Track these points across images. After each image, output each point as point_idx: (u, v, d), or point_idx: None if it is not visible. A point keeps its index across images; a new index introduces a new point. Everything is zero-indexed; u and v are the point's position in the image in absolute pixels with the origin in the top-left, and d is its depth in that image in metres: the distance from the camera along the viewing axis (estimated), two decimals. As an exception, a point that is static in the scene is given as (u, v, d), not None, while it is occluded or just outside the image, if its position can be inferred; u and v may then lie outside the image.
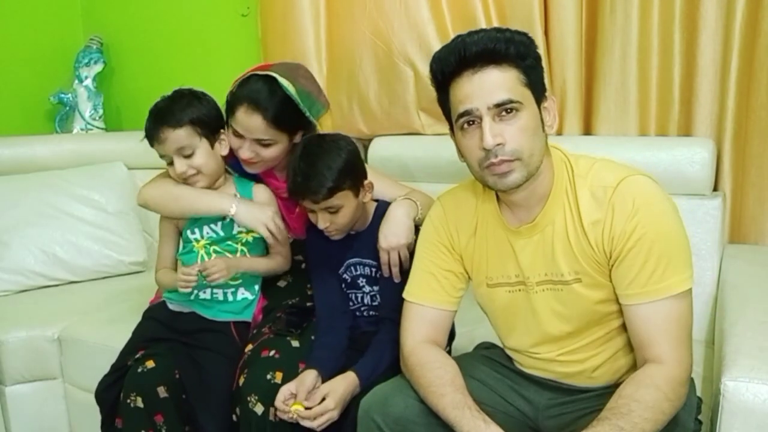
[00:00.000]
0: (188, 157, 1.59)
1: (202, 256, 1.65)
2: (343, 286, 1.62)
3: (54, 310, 2.08)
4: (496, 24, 2.04)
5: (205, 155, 1.60)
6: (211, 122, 1.61)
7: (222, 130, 1.64)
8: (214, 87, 2.68)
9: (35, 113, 2.80)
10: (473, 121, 1.17)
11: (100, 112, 2.78)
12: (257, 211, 1.63)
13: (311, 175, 1.44)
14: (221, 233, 1.66)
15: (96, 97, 2.77)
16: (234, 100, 1.59)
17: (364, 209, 1.57)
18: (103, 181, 2.46)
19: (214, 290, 1.66)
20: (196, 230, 1.66)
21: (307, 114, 1.60)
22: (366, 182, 1.53)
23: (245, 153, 1.61)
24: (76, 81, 2.75)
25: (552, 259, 1.23)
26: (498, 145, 1.14)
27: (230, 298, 1.68)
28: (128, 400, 1.53)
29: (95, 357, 1.82)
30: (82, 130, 2.75)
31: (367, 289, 1.60)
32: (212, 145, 1.62)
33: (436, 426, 1.21)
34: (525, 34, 1.20)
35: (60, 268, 2.28)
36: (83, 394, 1.92)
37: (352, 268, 1.60)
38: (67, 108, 2.77)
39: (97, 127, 2.77)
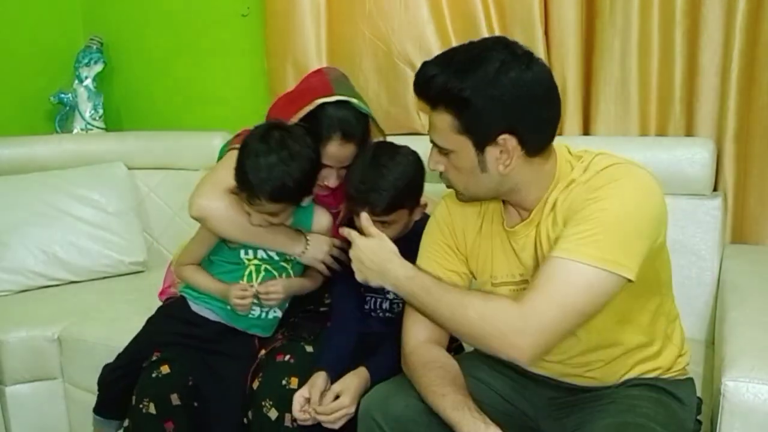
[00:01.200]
0: (272, 215, 1.50)
1: (251, 272, 1.59)
2: (362, 289, 1.58)
3: (54, 310, 2.08)
4: (496, 24, 2.05)
5: (288, 216, 1.53)
6: (304, 192, 1.49)
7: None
8: (214, 87, 2.70)
9: (35, 113, 2.80)
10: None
11: (100, 112, 2.77)
12: (321, 246, 1.58)
13: (376, 187, 1.41)
14: (276, 257, 1.60)
15: (96, 97, 2.76)
16: (320, 133, 1.49)
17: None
18: (103, 181, 2.45)
19: (253, 307, 1.59)
20: (250, 251, 1.59)
21: (377, 122, 1.59)
22: (423, 200, 1.50)
23: (334, 182, 1.54)
24: (76, 81, 2.75)
25: (542, 255, 1.23)
26: (438, 170, 1.24)
27: (263, 315, 1.62)
28: (141, 405, 1.51)
29: (95, 357, 1.82)
30: (82, 130, 2.75)
31: (391, 295, 1.57)
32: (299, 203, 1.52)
33: (437, 426, 1.20)
34: (487, 73, 1.11)
35: (60, 268, 2.27)
36: (83, 394, 1.92)
37: None
38: (67, 108, 2.77)
39: (97, 127, 2.76)
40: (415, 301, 1.24)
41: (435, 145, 1.22)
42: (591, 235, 1.10)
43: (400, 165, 1.44)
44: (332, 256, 1.59)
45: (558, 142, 1.25)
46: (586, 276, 1.09)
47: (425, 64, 1.19)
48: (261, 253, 1.59)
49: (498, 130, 1.14)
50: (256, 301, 1.55)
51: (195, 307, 1.63)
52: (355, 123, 1.51)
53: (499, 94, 1.11)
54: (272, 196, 1.43)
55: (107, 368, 1.66)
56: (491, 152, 1.16)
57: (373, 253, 1.28)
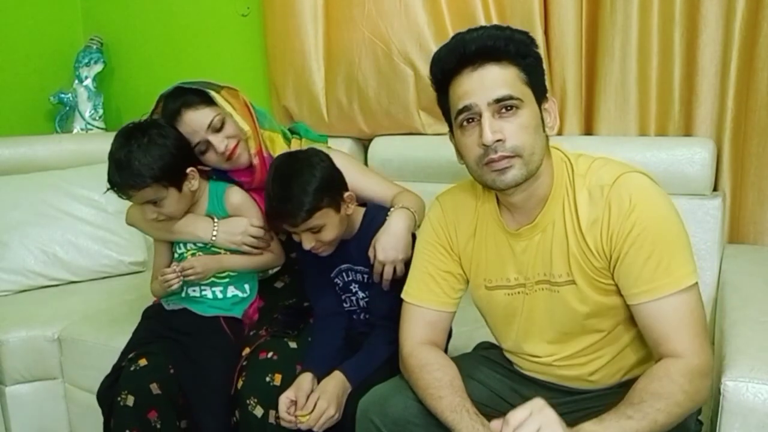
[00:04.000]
0: (157, 205, 1.57)
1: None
2: (337, 289, 1.62)
3: (54, 310, 2.08)
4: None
5: (174, 203, 1.58)
6: (175, 168, 1.55)
7: (191, 168, 1.59)
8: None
9: (35, 113, 2.80)
10: (472, 118, 1.16)
11: (100, 112, 2.78)
12: (233, 229, 1.64)
13: (286, 198, 1.41)
14: (204, 245, 1.67)
15: (96, 97, 2.76)
16: (172, 115, 1.58)
17: (350, 219, 1.53)
18: (103, 181, 2.41)
19: (203, 288, 1.69)
20: (182, 245, 1.69)
21: (204, 88, 1.59)
22: (347, 195, 1.49)
23: (220, 146, 1.59)
24: (76, 81, 2.75)
25: (549, 259, 1.23)
26: (498, 141, 1.13)
27: (219, 295, 1.70)
28: (119, 399, 1.54)
29: (95, 357, 1.82)
30: (82, 130, 2.75)
31: (360, 294, 1.60)
32: (180, 189, 1.58)
33: (435, 427, 1.20)
34: (525, 33, 1.19)
35: (60, 268, 2.28)
36: (83, 394, 1.92)
37: (344, 274, 1.59)
38: (67, 108, 2.77)
39: (97, 127, 2.76)
40: None
41: (497, 103, 1.13)
42: (663, 266, 1.13)
43: (302, 170, 1.43)
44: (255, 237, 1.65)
45: (551, 144, 1.25)
46: (686, 299, 1.13)
47: (468, 30, 1.18)
48: (190, 245, 1.68)
49: (546, 88, 1.22)
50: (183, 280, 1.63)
51: (166, 305, 1.73)
52: (173, 101, 1.57)
53: (539, 54, 1.21)
54: (127, 183, 1.51)
55: (102, 383, 1.66)
56: (545, 111, 1.20)
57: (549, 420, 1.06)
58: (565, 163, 1.23)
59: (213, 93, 1.58)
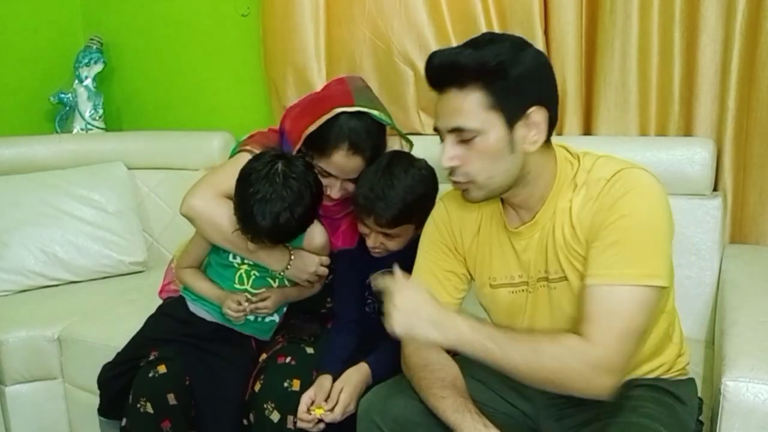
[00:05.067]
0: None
1: (241, 275, 1.62)
2: (367, 293, 1.59)
3: (54, 310, 2.08)
4: (496, 24, 2.04)
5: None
6: (305, 227, 1.51)
7: None
8: (214, 87, 2.70)
9: (35, 113, 2.80)
10: (442, 138, 1.19)
11: (100, 112, 2.77)
12: (306, 267, 1.58)
13: (385, 198, 1.39)
14: (262, 266, 1.62)
15: (96, 97, 2.76)
16: (328, 142, 1.48)
17: None
18: (103, 181, 2.45)
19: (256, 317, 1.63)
20: (238, 256, 1.61)
21: (402, 134, 1.57)
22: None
23: (337, 193, 1.53)
24: (76, 81, 2.75)
25: (546, 257, 1.23)
26: (453, 166, 1.17)
27: (259, 319, 1.63)
28: (138, 405, 1.52)
29: (95, 357, 1.82)
30: (82, 130, 2.75)
31: None
32: None
33: (436, 426, 1.20)
34: (507, 48, 1.14)
35: (60, 268, 2.27)
36: (83, 394, 1.92)
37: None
38: (67, 108, 2.77)
39: (97, 127, 2.76)
40: (479, 351, 1.11)
41: (454, 133, 1.16)
42: (626, 256, 1.10)
43: (412, 178, 1.41)
44: (318, 275, 1.61)
45: (556, 142, 1.25)
46: (636, 297, 1.10)
47: (438, 50, 1.17)
48: (245, 259, 1.60)
49: (529, 103, 1.15)
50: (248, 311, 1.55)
51: (193, 307, 1.65)
52: (365, 136, 1.49)
53: (528, 64, 1.14)
54: (274, 239, 1.45)
55: (105, 367, 1.67)
56: (520, 130, 1.16)
57: (428, 303, 1.15)
58: (569, 162, 1.23)
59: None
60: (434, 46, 2.09)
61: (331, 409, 1.37)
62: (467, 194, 1.22)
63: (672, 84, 1.88)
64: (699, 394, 1.34)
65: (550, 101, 1.18)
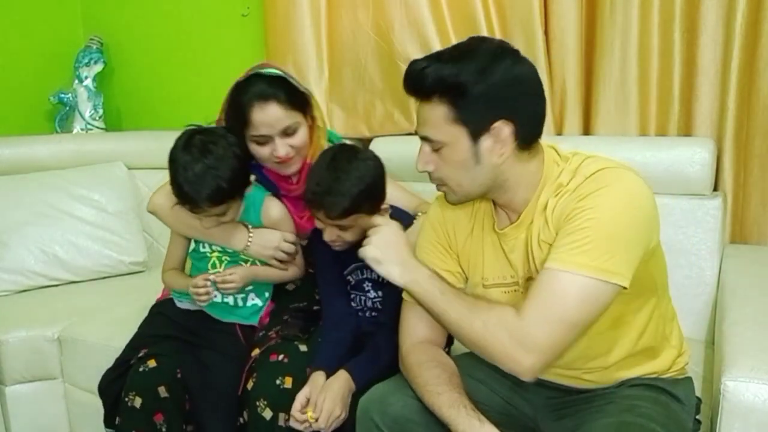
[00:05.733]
0: (221, 215, 1.55)
1: (213, 262, 1.66)
2: (348, 287, 1.61)
3: (54, 310, 2.08)
4: (496, 24, 2.05)
5: (234, 212, 1.58)
6: (246, 179, 1.57)
7: (253, 176, 1.59)
8: (214, 87, 2.69)
9: (35, 113, 2.80)
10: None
11: (100, 112, 2.78)
12: (267, 243, 1.62)
13: (330, 191, 1.39)
14: (231, 251, 1.65)
15: (96, 97, 2.77)
16: (241, 108, 1.54)
17: None
18: (103, 181, 2.46)
19: (225, 296, 1.66)
20: (206, 245, 1.66)
21: (302, 88, 1.59)
22: (383, 207, 1.48)
23: (282, 150, 1.56)
24: (76, 81, 2.75)
25: (531, 256, 1.23)
26: (427, 170, 1.22)
27: (240, 303, 1.67)
28: (127, 399, 1.53)
29: (95, 357, 1.82)
30: (82, 130, 2.75)
31: (372, 294, 1.59)
32: (242, 197, 1.59)
33: (434, 425, 1.20)
34: (476, 63, 1.13)
35: (60, 268, 2.28)
36: (83, 394, 1.92)
37: (358, 271, 1.59)
38: (67, 108, 2.77)
39: (97, 127, 2.76)
40: (427, 300, 1.21)
41: (425, 141, 1.20)
42: (582, 245, 1.10)
43: (357, 169, 1.42)
44: (285, 251, 1.64)
45: (546, 143, 1.25)
46: (579, 287, 1.09)
47: (414, 60, 1.20)
48: (215, 246, 1.65)
49: (493, 117, 1.14)
50: (215, 289, 1.59)
51: (179, 304, 1.70)
52: (267, 86, 1.53)
53: (494, 80, 1.13)
54: (212, 200, 1.48)
55: (105, 374, 1.67)
56: (485, 142, 1.16)
57: (402, 245, 1.26)
58: (556, 163, 1.23)
59: (313, 101, 1.59)
60: (434, 47, 2.09)
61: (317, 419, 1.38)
62: (446, 196, 1.26)
63: (672, 84, 1.89)
64: (698, 394, 1.34)
65: (523, 112, 1.16)
